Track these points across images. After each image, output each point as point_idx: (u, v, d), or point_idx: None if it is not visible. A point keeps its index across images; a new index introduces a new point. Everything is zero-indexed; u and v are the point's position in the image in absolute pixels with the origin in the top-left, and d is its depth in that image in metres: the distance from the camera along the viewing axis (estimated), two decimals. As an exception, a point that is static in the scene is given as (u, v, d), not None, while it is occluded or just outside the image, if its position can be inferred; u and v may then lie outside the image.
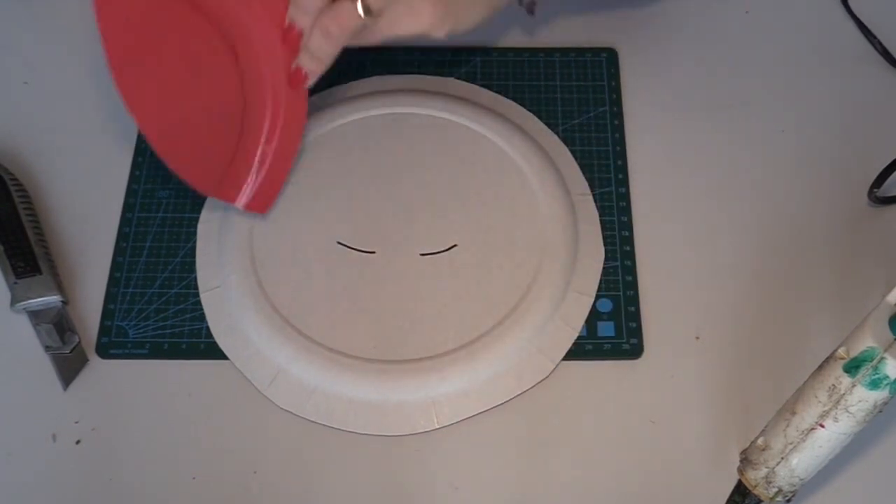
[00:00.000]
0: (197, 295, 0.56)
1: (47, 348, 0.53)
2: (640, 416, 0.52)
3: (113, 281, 0.56)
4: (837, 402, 0.43)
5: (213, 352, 0.54)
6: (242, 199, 0.55)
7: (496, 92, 0.63)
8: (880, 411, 0.43)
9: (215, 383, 0.53)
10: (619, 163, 0.60)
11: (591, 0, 0.66)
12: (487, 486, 0.50)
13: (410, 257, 0.56)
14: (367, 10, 0.50)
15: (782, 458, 0.45)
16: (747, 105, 0.63)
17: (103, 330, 0.54)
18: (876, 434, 0.51)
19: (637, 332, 0.54)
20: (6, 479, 0.50)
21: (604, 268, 0.57)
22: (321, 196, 0.58)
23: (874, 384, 0.42)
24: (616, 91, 0.63)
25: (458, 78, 0.63)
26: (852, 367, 0.42)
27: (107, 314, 0.55)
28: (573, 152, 0.60)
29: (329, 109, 0.61)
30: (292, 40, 0.52)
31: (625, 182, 0.59)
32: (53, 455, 0.51)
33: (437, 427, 0.52)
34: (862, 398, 0.42)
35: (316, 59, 0.52)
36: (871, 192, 0.57)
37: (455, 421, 0.52)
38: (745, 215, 0.59)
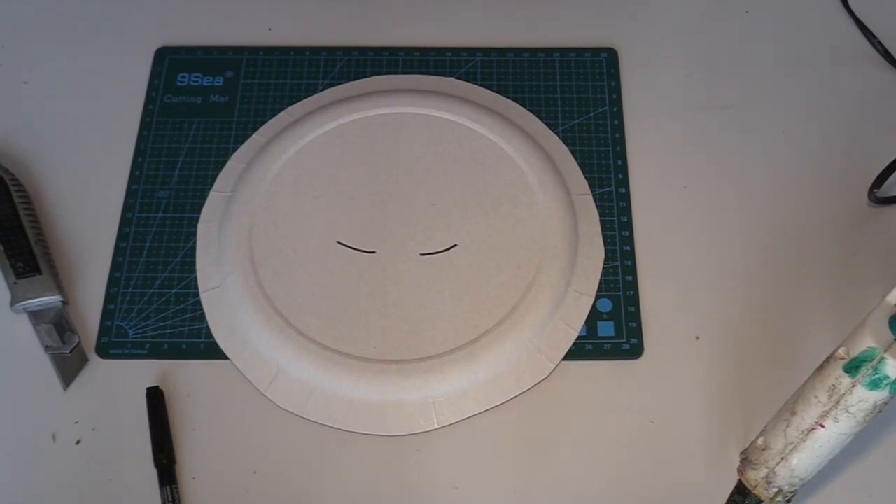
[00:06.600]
0: (197, 295, 0.56)
1: (47, 348, 0.53)
2: (640, 416, 0.52)
3: (113, 281, 0.56)
4: (837, 402, 0.43)
5: (213, 352, 0.54)
6: None
7: (496, 92, 0.63)
8: (880, 411, 0.43)
9: (215, 383, 0.53)
10: (619, 163, 0.60)
11: None
12: (487, 486, 0.50)
13: (410, 257, 0.56)
14: None
15: (782, 459, 0.45)
16: (747, 105, 0.63)
17: (103, 330, 0.54)
18: (876, 434, 0.51)
19: (637, 332, 0.54)
20: (6, 479, 0.50)
21: (604, 268, 0.57)
22: (321, 196, 0.58)
23: (874, 384, 0.42)
24: (616, 91, 0.63)
25: (458, 78, 0.63)
26: (852, 368, 0.42)
27: (107, 314, 0.55)
28: (573, 152, 0.60)
29: (329, 109, 0.61)
30: None
31: (625, 182, 0.59)
32: (53, 455, 0.51)
33: (437, 427, 0.52)
34: (862, 398, 0.42)
35: None
36: (871, 192, 0.57)
37: (455, 421, 0.52)
38: (745, 215, 0.58)
